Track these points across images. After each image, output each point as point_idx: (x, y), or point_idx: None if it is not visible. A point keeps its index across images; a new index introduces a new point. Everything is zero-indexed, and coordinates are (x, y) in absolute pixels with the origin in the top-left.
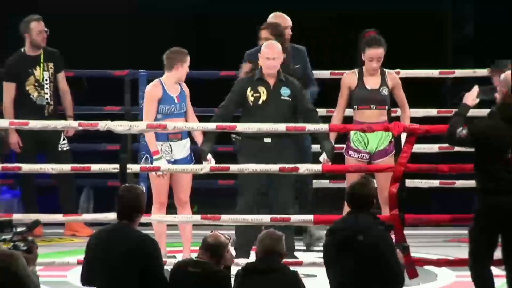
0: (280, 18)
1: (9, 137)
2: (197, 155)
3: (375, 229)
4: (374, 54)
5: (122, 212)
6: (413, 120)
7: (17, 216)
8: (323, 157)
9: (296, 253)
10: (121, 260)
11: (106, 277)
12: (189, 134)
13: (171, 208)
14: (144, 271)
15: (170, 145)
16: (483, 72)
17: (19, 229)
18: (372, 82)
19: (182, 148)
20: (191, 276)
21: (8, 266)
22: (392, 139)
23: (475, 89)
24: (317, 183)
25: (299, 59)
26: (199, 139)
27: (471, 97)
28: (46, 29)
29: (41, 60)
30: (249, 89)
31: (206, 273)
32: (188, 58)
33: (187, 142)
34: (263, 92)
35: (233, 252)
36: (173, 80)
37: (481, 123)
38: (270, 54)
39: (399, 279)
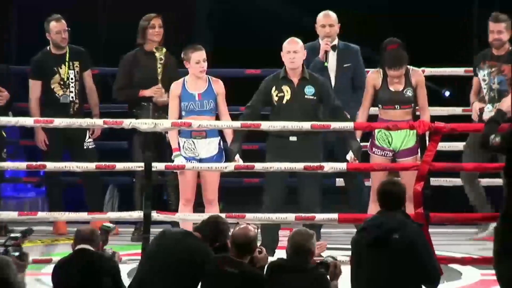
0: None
1: (36, 134)
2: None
3: (410, 226)
4: (395, 75)
5: None
6: (438, 118)
7: (41, 215)
8: (350, 156)
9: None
10: (177, 265)
11: (159, 280)
12: (220, 133)
13: (199, 206)
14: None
15: (193, 142)
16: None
17: (13, 235)
18: (395, 84)
19: (207, 147)
20: (228, 276)
21: (6, 276)
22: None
23: None
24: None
25: (349, 58)
26: (228, 138)
27: (507, 103)
28: (67, 28)
29: (67, 59)
30: (273, 88)
31: (243, 274)
32: (192, 56)
33: (213, 141)
34: (287, 91)
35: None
36: (192, 77)
37: None
38: (292, 48)
39: (436, 277)
